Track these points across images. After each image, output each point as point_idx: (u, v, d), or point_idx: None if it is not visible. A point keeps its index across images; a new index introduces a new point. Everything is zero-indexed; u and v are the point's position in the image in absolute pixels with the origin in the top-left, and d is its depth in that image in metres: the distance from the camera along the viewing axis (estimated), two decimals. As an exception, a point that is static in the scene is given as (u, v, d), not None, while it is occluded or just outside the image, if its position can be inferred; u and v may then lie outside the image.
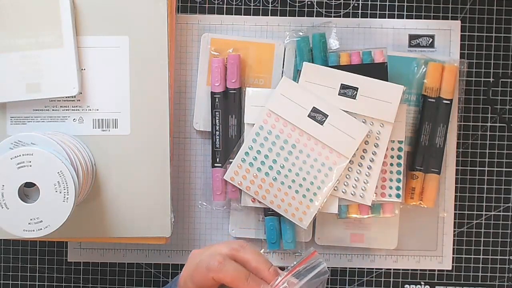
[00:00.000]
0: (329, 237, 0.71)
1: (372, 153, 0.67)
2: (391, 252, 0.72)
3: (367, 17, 0.71)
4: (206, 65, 0.70)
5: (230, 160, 0.69)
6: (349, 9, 0.71)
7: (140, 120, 0.66)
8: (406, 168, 0.70)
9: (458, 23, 0.71)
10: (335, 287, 0.73)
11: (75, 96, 0.65)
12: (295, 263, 0.55)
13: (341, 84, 0.66)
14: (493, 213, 0.73)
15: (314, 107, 0.66)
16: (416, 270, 0.73)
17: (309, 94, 0.67)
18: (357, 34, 0.71)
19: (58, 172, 0.59)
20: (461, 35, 0.71)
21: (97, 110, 0.66)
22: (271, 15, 0.71)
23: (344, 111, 0.66)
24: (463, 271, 0.73)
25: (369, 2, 0.71)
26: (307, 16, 0.71)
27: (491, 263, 0.73)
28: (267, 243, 0.70)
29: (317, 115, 0.67)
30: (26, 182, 0.59)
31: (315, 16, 0.71)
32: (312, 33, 0.68)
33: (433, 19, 0.72)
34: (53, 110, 0.66)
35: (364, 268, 0.73)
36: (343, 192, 0.68)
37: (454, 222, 0.73)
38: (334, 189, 0.67)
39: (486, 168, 0.72)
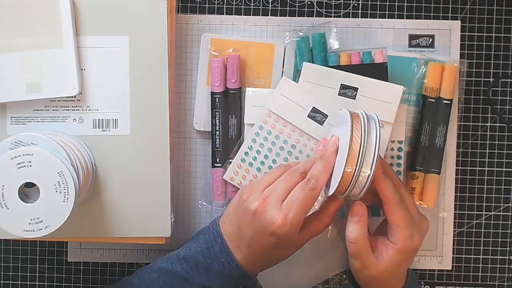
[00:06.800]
0: (329, 237, 0.71)
1: (372, 153, 0.67)
2: (391, 252, 0.72)
3: (367, 17, 0.71)
4: (206, 65, 0.70)
5: (230, 160, 0.69)
6: (349, 9, 0.71)
7: (140, 120, 0.66)
8: (406, 168, 0.70)
9: (458, 23, 0.71)
10: (335, 287, 0.73)
11: (75, 96, 0.65)
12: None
13: (341, 84, 0.66)
14: (493, 213, 0.73)
15: (314, 107, 0.66)
16: (416, 270, 0.73)
17: (309, 94, 0.67)
18: (357, 34, 0.71)
19: (58, 172, 0.59)
20: (461, 35, 0.71)
21: (97, 110, 0.66)
22: (271, 15, 0.71)
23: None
24: (463, 271, 0.73)
25: (369, 2, 0.71)
26: (307, 16, 0.71)
27: (491, 263, 0.73)
28: (267, 243, 0.70)
29: (316, 115, 0.67)
30: (26, 182, 0.59)
31: (315, 16, 0.71)
32: (312, 33, 0.68)
33: (433, 19, 0.72)
34: (53, 110, 0.66)
35: (364, 268, 0.73)
36: (343, 192, 0.68)
37: (454, 222, 0.73)
38: (334, 189, 0.67)
39: (486, 168, 0.72)
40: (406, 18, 0.71)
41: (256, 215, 0.59)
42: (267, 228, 0.58)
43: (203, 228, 0.66)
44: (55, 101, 0.66)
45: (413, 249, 0.62)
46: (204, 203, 0.71)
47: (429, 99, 0.69)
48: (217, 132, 0.69)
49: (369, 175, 0.56)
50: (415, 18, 0.71)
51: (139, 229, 0.66)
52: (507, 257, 0.73)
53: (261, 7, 0.71)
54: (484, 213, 0.73)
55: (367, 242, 0.61)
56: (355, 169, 0.56)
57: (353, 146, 0.56)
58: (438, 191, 0.70)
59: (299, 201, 0.58)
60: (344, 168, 0.56)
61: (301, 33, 0.69)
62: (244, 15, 0.71)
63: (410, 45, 0.71)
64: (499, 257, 0.73)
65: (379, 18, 0.71)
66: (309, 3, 0.71)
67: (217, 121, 0.69)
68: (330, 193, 0.59)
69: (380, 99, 0.66)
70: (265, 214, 0.59)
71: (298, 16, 0.71)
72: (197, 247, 0.63)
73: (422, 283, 0.73)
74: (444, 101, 0.69)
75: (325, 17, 0.71)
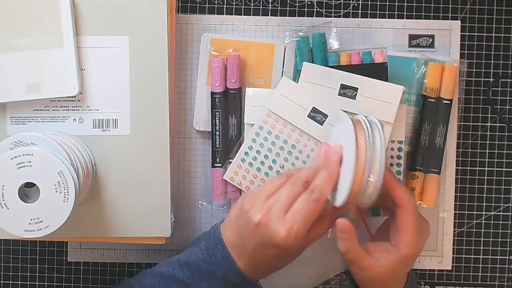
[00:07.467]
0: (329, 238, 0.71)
1: (372, 153, 0.67)
2: (391, 252, 0.72)
3: (367, 17, 0.71)
4: (206, 65, 0.70)
5: (230, 160, 0.69)
6: (349, 9, 0.71)
7: (140, 120, 0.66)
8: (406, 168, 0.70)
9: (458, 23, 0.71)
10: (335, 287, 0.73)
11: (75, 96, 0.65)
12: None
13: (341, 84, 0.66)
14: (493, 213, 0.73)
15: (314, 107, 0.66)
16: (416, 270, 0.73)
17: (309, 94, 0.67)
18: (357, 34, 0.71)
19: (58, 172, 0.59)
20: (461, 35, 0.71)
21: (97, 110, 0.66)
22: (271, 15, 0.71)
23: (343, 111, 0.66)
24: (463, 271, 0.73)
25: (369, 2, 0.71)
26: (307, 16, 0.71)
27: (491, 263, 0.73)
28: (267, 243, 0.70)
29: (316, 115, 0.67)
30: (26, 182, 0.59)
31: (315, 16, 0.71)
32: (312, 33, 0.68)
33: (433, 19, 0.72)
34: (53, 110, 0.66)
35: (364, 268, 0.73)
36: (343, 192, 0.68)
37: (454, 222, 0.73)
38: (334, 189, 0.67)
39: (486, 168, 0.72)
40: (406, 18, 0.71)
41: (259, 227, 0.59)
42: (271, 240, 0.58)
43: (204, 232, 0.66)
44: (55, 101, 0.66)
45: (415, 255, 0.62)
46: (204, 203, 0.71)
47: (429, 99, 0.69)
48: (217, 132, 0.69)
49: (376, 182, 0.56)
50: (415, 18, 0.71)
51: (139, 229, 0.66)
52: (507, 257, 0.73)
53: (261, 7, 0.71)
54: (484, 213, 0.73)
55: (359, 249, 0.61)
56: (363, 178, 0.56)
57: (359, 154, 0.56)
58: (438, 191, 0.70)
59: (303, 212, 0.57)
60: (352, 179, 0.56)
61: (301, 33, 0.69)
62: (244, 15, 0.71)
63: (410, 45, 0.71)
64: (499, 257, 0.73)
65: (379, 18, 0.71)
66: (309, 3, 0.71)
67: (217, 121, 0.69)
68: (338, 203, 0.59)
69: (380, 99, 0.66)
70: (268, 226, 0.58)
71: (298, 16, 0.71)
72: (199, 253, 0.63)
73: (422, 283, 0.73)
74: (444, 101, 0.69)
75: (325, 17, 0.71)
